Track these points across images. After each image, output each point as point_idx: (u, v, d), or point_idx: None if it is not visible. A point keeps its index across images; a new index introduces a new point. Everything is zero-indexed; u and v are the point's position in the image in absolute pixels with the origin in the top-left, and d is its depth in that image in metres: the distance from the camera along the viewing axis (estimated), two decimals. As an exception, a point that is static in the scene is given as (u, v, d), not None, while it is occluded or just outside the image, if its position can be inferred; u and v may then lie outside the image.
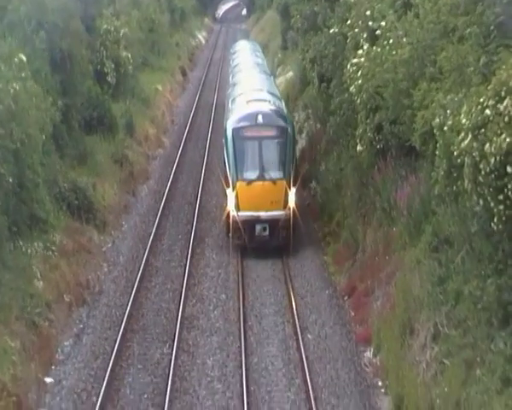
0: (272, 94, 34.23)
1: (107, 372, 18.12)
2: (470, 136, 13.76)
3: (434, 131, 15.95)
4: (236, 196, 26.45)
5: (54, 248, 23.55)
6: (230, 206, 26.36)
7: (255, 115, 27.49)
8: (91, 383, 18.06)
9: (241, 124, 27.85)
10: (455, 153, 14.32)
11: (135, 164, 36.45)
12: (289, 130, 28.08)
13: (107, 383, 17.62)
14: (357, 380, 18.60)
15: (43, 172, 24.37)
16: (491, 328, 14.40)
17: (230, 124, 28.13)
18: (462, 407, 13.88)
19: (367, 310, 21.16)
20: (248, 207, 26.45)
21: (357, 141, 24.42)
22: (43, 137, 24.03)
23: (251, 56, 50.70)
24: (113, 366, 18.59)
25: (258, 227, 26.45)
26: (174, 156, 40.50)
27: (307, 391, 17.87)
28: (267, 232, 26.48)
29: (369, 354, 19.74)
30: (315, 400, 17.43)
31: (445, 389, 14.56)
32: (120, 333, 20.20)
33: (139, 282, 23.96)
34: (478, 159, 13.51)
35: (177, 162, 39.05)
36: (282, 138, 27.42)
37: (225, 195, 27.18)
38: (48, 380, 18.27)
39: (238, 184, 26.57)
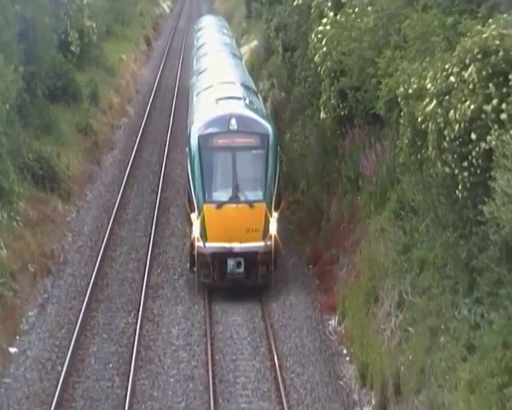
0: (247, 88, 27.98)
1: (72, 342, 17.98)
2: (435, 101, 13.90)
3: (399, 99, 15.95)
4: (203, 223, 20.98)
5: (18, 218, 23.23)
6: (195, 235, 20.94)
7: (228, 119, 21.68)
8: (56, 352, 17.91)
9: (210, 130, 22.10)
10: (419, 119, 14.53)
11: (99, 133, 36.08)
12: (271, 138, 22.15)
13: (71, 352, 17.45)
14: (321, 348, 18.59)
15: (6, 142, 23.92)
16: (455, 295, 14.45)
17: (196, 130, 22.44)
18: (427, 375, 13.92)
19: (332, 279, 21.07)
20: (218, 238, 21.03)
21: (321, 108, 24.35)
22: (7, 106, 23.77)
23: (218, 35, 44.67)
24: (77, 335, 18.43)
25: (230, 262, 20.91)
26: (139, 125, 40.07)
27: (272, 360, 17.79)
28: (242, 269, 21.04)
29: (333, 322, 19.66)
30: (280, 368, 17.35)
31: (410, 357, 14.61)
32: (85, 303, 19.98)
33: (104, 251, 23.69)
34: (442, 125, 13.64)
35: (142, 131, 38.68)
36: (262, 149, 21.77)
37: (189, 221, 21.91)
38: (12, 350, 18.07)
39: (205, 207, 21.15)
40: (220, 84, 27.56)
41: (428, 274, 15.60)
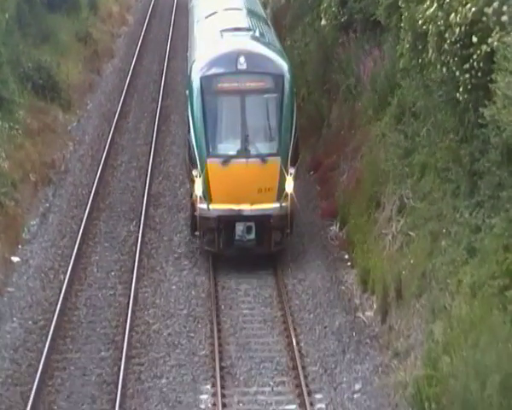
0: (255, 15, 24.02)
1: (74, 251, 18.07)
2: (435, 4, 13.93)
3: (399, 3, 16.06)
4: (206, 182, 17.84)
5: (18, 127, 23.16)
6: (198, 195, 17.92)
7: (235, 57, 18.11)
8: (58, 261, 18.06)
9: (214, 71, 18.54)
10: (420, 22, 14.49)
11: (99, 42, 35.74)
12: (286, 79, 18.62)
13: (74, 261, 17.52)
14: (323, 254, 18.64)
15: (5, 52, 23.91)
16: (456, 199, 14.53)
17: (197, 70, 18.98)
18: (428, 278, 14.11)
19: (332, 185, 21.01)
20: (225, 199, 17.98)
21: (322, 15, 24.19)
22: (6, 16, 23.92)
23: None
24: (79, 244, 18.49)
25: (239, 227, 17.98)
26: (138, 34, 39.63)
27: (274, 266, 17.91)
28: (253, 235, 18.11)
29: (335, 228, 19.66)
30: (282, 273, 17.54)
31: (411, 261, 14.70)
32: (87, 212, 20.04)
33: (105, 160, 23.72)
34: (443, 28, 13.56)
35: (142, 40, 38.25)
36: (277, 92, 18.21)
37: (191, 178, 18.86)
38: (15, 259, 18.17)
39: (209, 162, 17.99)
40: (224, 11, 23.63)
41: (429, 179, 15.55)
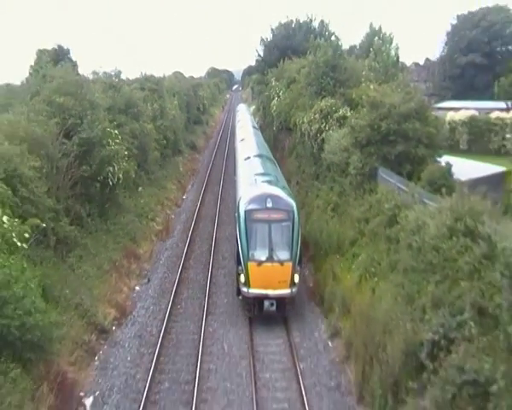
0: (270, 160, 37.22)
1: None
2: (306, 123, 34.48)
3: (296, 121, 39.20)
4: (247, 275, 24.81)
5: None
6: (241, 282, 25.09)
7: (265, 199, 25.73)
8: None
9: (252, 206, 25.74)
10: (302, 129, 37.84)
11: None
12: (295, 212, 25.90)
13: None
14: (309, 312, 25.67)
15: None
16: (313, 181, 32.04)
17: (243, 205, 26.02)
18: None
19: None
20: (258, 286, 24.79)
21: (274, 126, 61.36)
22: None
23: (246, 114, 70.05)
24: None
25: (266, 303, 24.97)
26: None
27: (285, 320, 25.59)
28: (274, 307, 25.12)
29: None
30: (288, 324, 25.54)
31: None
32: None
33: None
34: (309, 130, 37.03)
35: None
36: (289, 221, 25.38)
37: (237, 273, 25.79)
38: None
39: (249, 264, 24.82)
40: (254, 157, 36.03)
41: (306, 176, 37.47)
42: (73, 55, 49.17)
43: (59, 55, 42.61)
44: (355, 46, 65.47)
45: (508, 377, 12.09)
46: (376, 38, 48.51)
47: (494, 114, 53.44)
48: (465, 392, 13.06)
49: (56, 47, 50.76)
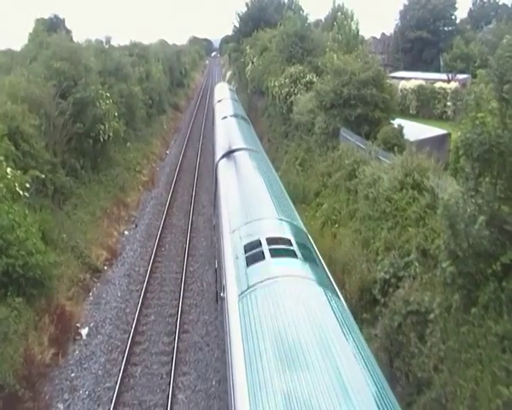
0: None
1: None
2: (277, 87, 34.66)
3: (268, 85, 39.23)
4: None
5: None
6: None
7: None
8: None
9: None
10: (273, 92, 37.46)
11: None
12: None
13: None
14: None
15: None
16: (282, 139, 34.35)
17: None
18: None
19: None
20: None
21: (248, 86, 58.59)
22: None
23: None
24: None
25: None
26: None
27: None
28: None
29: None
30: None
31: None
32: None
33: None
34: (279, 94, 37.10)
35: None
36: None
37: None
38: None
39: None
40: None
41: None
42: (68, 24, 48.53)
43: (55, 24, 41.84)
44: (320, 20, 65.37)
45: (442, 306, 12.64)
46: (339, 13, 48.66)
47: (438, 84, 54.64)
48: (409, 320, 13.62)
49: (52, 16, 49.86)
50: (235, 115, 34.81)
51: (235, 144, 24.99)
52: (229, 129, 30.60)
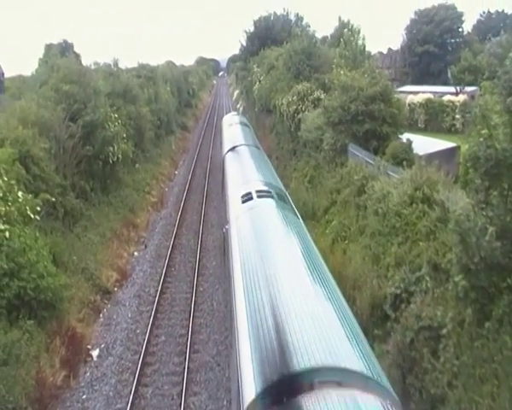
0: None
1: None
2: (285, 105, 34.72)
3: (276, 103, 39.09)
4: None
5: None
6: None
7: None
8: None
9: None
10: (281, 110, 37.97)
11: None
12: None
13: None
14: None
15: None
16: (290, 158, 34.59)
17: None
18: None
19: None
20: None
21: (255, 106, 60.08)
22: None
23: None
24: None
25: None
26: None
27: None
28: None
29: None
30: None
31: None
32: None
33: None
34: (287, 112, 37.12)
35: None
36: None
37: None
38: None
39: None
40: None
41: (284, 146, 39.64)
42: (77, 48, 49.16)
43: (64, 49, 42.36)
44: (327, 36, 65.70)
45: (454, 321, 12.53)
46: (346, 29, 48.87)
47: (446, 98, 54.58)
48: (421, 336, 13.49)
49: (62, 41, 50.51)
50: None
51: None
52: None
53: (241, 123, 37.67)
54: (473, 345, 11.54)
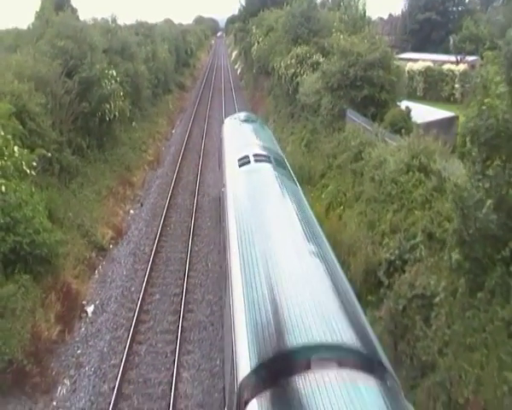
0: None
1: None
2: (283, 68, 34.54)
3: (274, 66, 38.90)
4: None
5: None
6: None
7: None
8: None
9: None
10: (279, 72, 37.04)
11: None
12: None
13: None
14: None
15: None
16: (287, 120, 32.96)
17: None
18: None
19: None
20: None
21: (254, 66, 58.32)
22: None
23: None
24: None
25: None
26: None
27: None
28: None
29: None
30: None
31: None
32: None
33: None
34: (285, 74, 36.77)
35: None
36: None
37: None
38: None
39: None
40: None
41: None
42: (74, 2, 48.12)
43: (61, 2, 41.44)
44: (327, 0, 64.71)
45: (447, 290, 12.59)
46: (346, -7, 48.26)
47: (446, 66, 53.98)
48: (414, 304, 13.56)
49: (59, -6, 49.46)
50: None
51: None
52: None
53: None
54: (464, 315, 11.62)
